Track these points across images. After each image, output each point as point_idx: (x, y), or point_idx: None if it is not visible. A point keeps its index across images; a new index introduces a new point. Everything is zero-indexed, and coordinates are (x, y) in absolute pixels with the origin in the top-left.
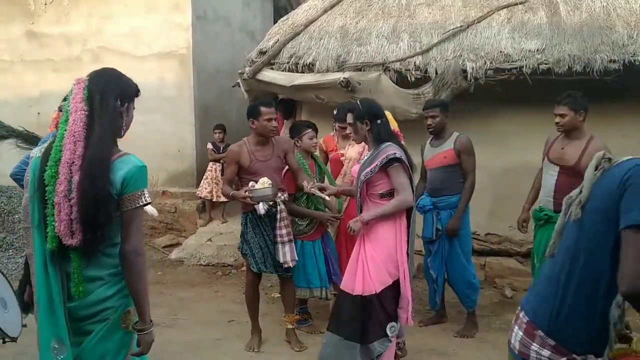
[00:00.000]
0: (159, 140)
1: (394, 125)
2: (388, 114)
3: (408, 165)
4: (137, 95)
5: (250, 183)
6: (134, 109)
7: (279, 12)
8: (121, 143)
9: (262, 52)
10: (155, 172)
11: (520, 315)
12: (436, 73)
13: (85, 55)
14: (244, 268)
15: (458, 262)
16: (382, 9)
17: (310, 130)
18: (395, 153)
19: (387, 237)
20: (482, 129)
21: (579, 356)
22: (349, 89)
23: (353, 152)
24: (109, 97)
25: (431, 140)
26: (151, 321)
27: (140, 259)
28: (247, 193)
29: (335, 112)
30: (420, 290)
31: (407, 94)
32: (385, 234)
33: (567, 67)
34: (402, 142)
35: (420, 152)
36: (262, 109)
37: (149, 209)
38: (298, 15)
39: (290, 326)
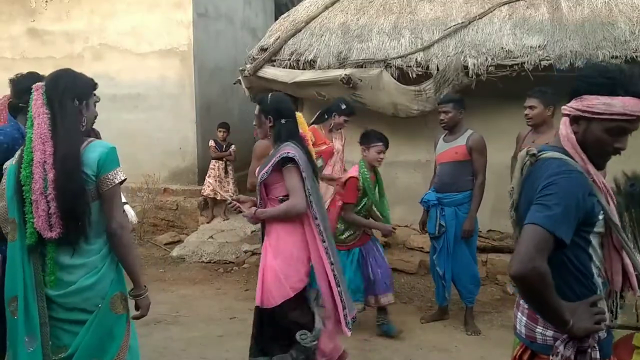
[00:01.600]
0: (160, 137)
1: (303, 128)
2: (299, 115)
3: (311, 168)
4: (94, 90)
5: None
6: (96, 102)
7: (280, 9)
8: (124, 140)
9: (263, 49)
10: (157, 169)
11: (521, 302)
12: (437, 69)
13: (86, 52)
14: (245, 265)
15: (463, 257)
16: (383, 5)
17: (380, 144)
18: (289, 152)
19: (289, 247)
20: (484, 126)
21: None
22: (350, 85)
23: (338, 144)
24: (67, 100)
25: (445, 135)
26: (145, 286)
27: (126, 232)
28: None
29: (343, 107)
30: (422, 287)
31: (409, 91)
32: (286, 243)
33: (568, 63)
34: (309, 146)
35: (434, 147)
36: None
37: (130, 213)
38: (299, 12)
39: None
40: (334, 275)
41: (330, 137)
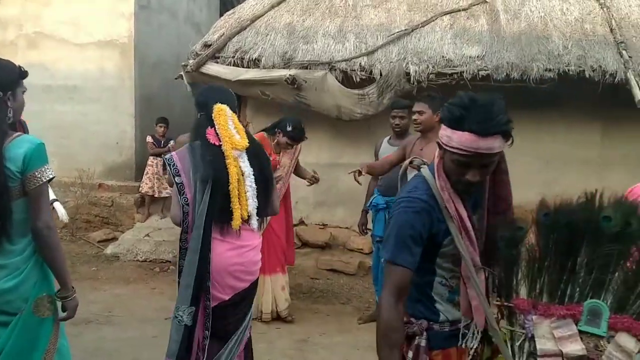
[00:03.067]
0: (97, 131)
1: (219, 120)
2: (219, 108)
3: (201, 174)
4: (22, 78)
5: None
6: (23, 92)
7: (225, 6)
8: (58, 133)
9: (207, 45)
10: (92, 163)
11: None
12: (381, 74)
13: (20, 40)
14: None
15: None
16: (328, 8)
17: None
18: (167, 155)
19: None
20: None
21: (416, 320)
22: (295, 86)
23: (286, 159)
24: None
25: (389, 139)
26: (73, 287)
27: (52, 233)
28: None
29: (289, 128)
30: (361, 288)
31: (352, 94)
32: None
33: (505, 74)
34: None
35: (375, 151)
36: None
37: (60, 211)
38: (244, 10)
39: None
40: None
41: (279, 150)
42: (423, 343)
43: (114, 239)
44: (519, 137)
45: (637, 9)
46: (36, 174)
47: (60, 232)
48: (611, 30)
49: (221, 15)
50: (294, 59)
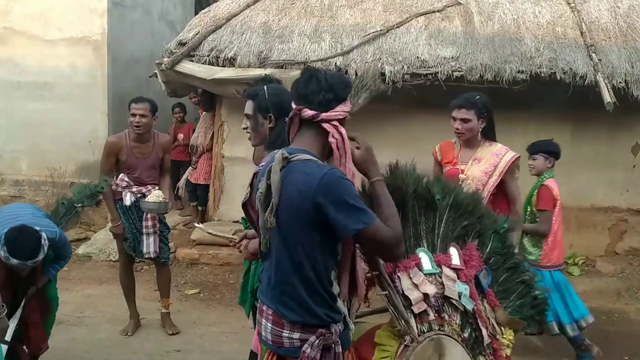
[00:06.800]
0: (68, 129)
1: None
2: None
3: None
4: None
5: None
6: None
7: (201, 4)
8: (28, 131)
9: (181, 44)
10: (64, 162)
11: (264, 307)
12: (356, 74)
13: None
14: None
15: None
16: (304, 7)
17: None
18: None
19: None
20: (398, 131)
21: (324, 328)
22: None
23: (478, 171)
24: None
25: None
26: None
27: None
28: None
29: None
30: None
31: None
32: None
33: (479, 75)
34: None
35: None
36: (131, 104)
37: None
38: (220, 8)
39: (164, 310)
40: None
41: (466, 157)
42: (339, 349)
43: (86, 238)
44: None
45: (606, 13)
46: None
47: None
48: (581, 33)
49: (196, 13)
50: (270, 58)
